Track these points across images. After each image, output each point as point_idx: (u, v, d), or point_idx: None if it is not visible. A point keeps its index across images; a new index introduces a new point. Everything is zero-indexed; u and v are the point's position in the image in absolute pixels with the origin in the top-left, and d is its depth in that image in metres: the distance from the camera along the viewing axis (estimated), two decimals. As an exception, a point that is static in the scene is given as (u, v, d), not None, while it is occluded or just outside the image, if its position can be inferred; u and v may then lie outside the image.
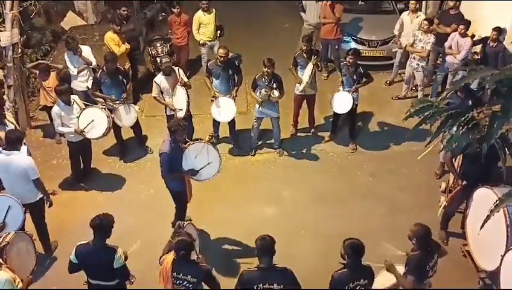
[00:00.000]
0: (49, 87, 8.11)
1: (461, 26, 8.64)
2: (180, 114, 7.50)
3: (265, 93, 7.66)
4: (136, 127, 8.07)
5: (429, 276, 4.97)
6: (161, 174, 6.18)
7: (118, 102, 7.68)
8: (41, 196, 6.16)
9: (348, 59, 7.88)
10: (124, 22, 9.32)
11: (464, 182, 6.31)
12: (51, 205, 6.28)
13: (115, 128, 7.81)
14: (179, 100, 7.50)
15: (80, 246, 4.82)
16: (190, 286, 4.65)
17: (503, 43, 8.66)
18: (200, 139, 6.44)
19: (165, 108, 7.82)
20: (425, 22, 8.82)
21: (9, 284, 4.47)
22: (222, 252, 6.50)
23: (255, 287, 4.50)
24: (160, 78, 7.60)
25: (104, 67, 7.77)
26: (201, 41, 9.88)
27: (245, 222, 6.89)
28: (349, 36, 10.35)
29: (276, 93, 7.70)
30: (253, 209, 7.22)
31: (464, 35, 8.66)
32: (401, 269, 4.97)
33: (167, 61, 7.62)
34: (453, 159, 6.46)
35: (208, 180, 6.25)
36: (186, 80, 7.72)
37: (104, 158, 8.20)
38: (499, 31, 8.46)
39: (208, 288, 4.78)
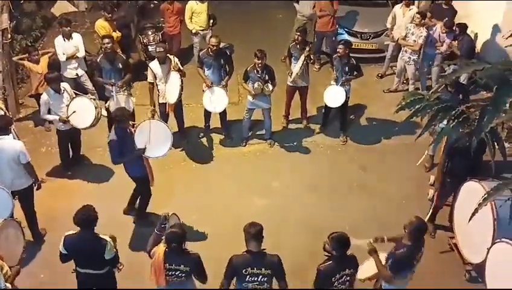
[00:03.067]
0: (40, 73, 8.02)
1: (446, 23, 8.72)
2: (172, 100, 7.46)
3: (258, 87, 7.63)
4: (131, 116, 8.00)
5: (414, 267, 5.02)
6: (112, 161, 6.27)
7: (116, 87, 7.62)
8: (30, 182, 6.13)
9: (338, 50, 7.89)
10: (115, 9, 9.23)
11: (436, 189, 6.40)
12: (39, 188, 6.28)
13: (110, 117, 7.72)
14: (172, 86, 7.46)
15: (68, 237, 4.79)
16: (183, 275, 4.65)
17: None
18: (144, 120, 6.54)
19: (158, 96, 7.77)
20: (418, 16, 8.83)
21: None
22: (211, 242, 6.51)
23: (243, 271, 4.53)
24: (154, 65, 7.57)
25: (103, 52, 7.76)
26: (193, 31, 9.81)
27: (235, 212, 6.89)
28: (342, 28, 10.33)
29: (270, 87, 7.68)
30: (244, 200, 7.23)
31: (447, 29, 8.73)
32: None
33: (161, 50, 7.58)
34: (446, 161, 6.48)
35: (168, 150, 6.43)
36: (181, 67, 7.68)
37: (94, 147, 8.13)
38: (464, 27, 8.59)
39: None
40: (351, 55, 8.02)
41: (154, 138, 6.22)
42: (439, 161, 6.68)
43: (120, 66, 7.78)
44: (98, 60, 7.77)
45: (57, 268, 5.18)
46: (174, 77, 7.41)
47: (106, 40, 7.65)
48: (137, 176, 6.44)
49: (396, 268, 4.84)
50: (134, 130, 6.22)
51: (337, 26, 10.00)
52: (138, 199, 6.78)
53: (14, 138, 6.24)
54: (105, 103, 7.79)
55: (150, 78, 7.69)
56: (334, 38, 10.00)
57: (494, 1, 9.09)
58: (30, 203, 6.25)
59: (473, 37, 9.08)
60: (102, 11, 9.03)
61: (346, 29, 10.35)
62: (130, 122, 6.35)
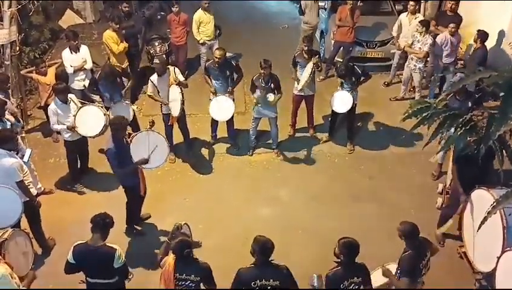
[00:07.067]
0: (48, 84, 8.09)
1: (451, 25, 8.67)
2: (175, 113, 7.48)
3: (260, 94, 7.65)
4: (134, 125, 8.05)
5: (422, 274, 4.98)
6: (112, 170, 6.26)
7: (114, 101, 7.66)
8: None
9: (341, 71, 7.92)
10: (125, 19, 9.30)
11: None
12: (39, 206, 6.19)
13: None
14: (174, 99, 7.50)
15: (77, 246, 4.76)
16: (193, 285, 4.62)
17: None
18: (141, 130, 6.58)
19: (161, 107, 7.81)
20: (422, 27, 8.80)
21: (5, 279, 4.45)
22: (218, 251, 6.49)
23: (252, 284, 4.51)
24: (155, 77, 7.59)
25: (102, 72, 7.77)
26: (201, 41, 9.89)
27: (242, 222, 6.89)
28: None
29: (272, 96, 7.66)
30: (251, 209, 7.22)
31: (454, 34, 8.71)
32: (394, 267, 5.00)
33: (157, 62, 7.61)
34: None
35: (162, 164, 6.41)
36: (182, 79, 7.69)
37: (101, 157, 8.14)
38: (484, 35, 8.41)
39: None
40: (356, 64, 8.04)
41: (151, 150, 6.18)
42: (452, 170, 6.61)
43: (118, 80, 7.83)
44: (97, 76, 7.81)
45: (65, 279, 5.17)
46: (175, 90, 7.44)
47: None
48: (129, 185, 6.43)
49: (404, 271, 4.81)
50: (131, 140, 6.19)
51: (355, 38, 9.94)
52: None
53: (20, 150, 6.25)
54: None
55: (149, 91, 7.69)
56: (351, 49, 10.00)
57: (500, 7, 9.06)
58: (34, 216, 6.19)
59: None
60: (110, 22, 9.10)
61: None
62: (127, 132, 6.33)
